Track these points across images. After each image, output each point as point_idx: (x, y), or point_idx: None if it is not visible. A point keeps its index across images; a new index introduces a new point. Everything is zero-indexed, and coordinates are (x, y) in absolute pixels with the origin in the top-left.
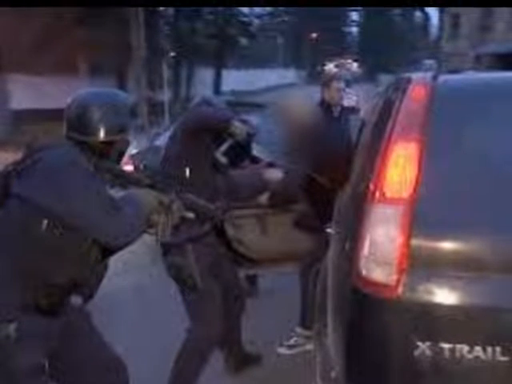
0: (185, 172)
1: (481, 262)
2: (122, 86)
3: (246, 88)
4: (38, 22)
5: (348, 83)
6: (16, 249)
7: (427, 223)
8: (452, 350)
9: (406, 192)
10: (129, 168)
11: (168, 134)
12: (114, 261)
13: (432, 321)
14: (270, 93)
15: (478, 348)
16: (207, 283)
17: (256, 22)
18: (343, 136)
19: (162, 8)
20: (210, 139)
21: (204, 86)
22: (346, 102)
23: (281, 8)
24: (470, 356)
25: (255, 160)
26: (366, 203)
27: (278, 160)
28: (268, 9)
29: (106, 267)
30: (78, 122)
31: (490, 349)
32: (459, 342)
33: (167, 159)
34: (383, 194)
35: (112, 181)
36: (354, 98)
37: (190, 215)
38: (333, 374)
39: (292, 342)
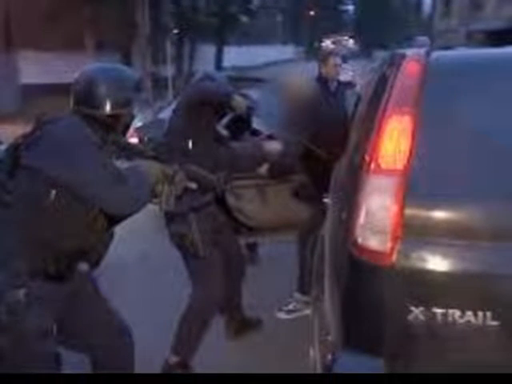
0: (187, 144)
1: (472, 230)
2: (127, 61)
3: (246, 64)
4: (47, 0)
5: (344, 59)
6: (25, 218)
7: (420, 193)
8: (444, 315)
9: (399, 163)
10: (134, 140)
11: (171, 107)
12: (119, 229)
13: (425, 287)
14: (270, 68)
15: (469, 313)
16: (209, 250)
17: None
18: (340, 110)
19: None
20: (211, 113)
21: (206, 61)
22: (343, 77)
23: None
24: (461, 320)
25: (255, 133)
26: (362, 174)
27: (277, 132)
28: None
29: (112, 235)
30: (85, 96)
31: (480, 313)
32: (451, 307)
33: (171, 132)
34: (378, 166)
35: (118, 153)
36: (350, 73)
37: (193, 185)
38: (330, 338)
39: (290, 307)
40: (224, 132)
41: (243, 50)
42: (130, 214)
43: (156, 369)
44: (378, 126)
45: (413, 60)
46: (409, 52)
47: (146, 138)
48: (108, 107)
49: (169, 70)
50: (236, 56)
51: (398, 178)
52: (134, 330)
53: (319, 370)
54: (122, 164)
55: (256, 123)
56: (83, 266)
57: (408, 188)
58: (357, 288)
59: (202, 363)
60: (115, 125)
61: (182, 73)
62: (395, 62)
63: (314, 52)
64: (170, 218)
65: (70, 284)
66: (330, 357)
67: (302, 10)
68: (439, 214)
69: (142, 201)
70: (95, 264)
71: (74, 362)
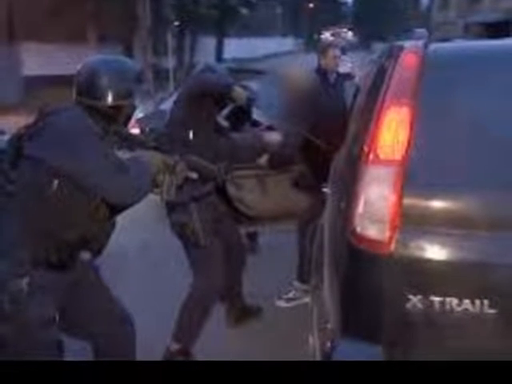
0: (188, 135)
1: (469, 219)
2: (128, 53)
3: (246, 55)
4: None
5: (343, 51)
6: (28, 208)
7: (418, 183)
8: (442, 303)
9: (398, 154)
10: (135, 131)
11: (172, 99)
12: (121, 218)
13: (423, 275)
14: (270, 60)
15: (466, 301)
16: (209, 240)
17: None
18: (339, 101)
19: None
20: (212, 104)
21: (206, 53)
22: (342, 69)
23: None
24: (459, 309)
25: (255, 123)
26: (361, 164)
27: (277, 123)
28: None
29: (113, 225)
30: (87, 88)
31: (478, 302)
32: (449, 296)
33: (172, 123)
34: (377, 156)
35: (119, 143)
36: (349, 64)
37: (194, 175)
38: (329, 326)
39: (290, 295)
40: (224, 123)
41: (243, 42)
42: (131, 204)
43: (157, 356)
44: (376, 116)
45: (411, 52)
46: (407, 44)
47: (147, 129)
48: (110, 98)
49: (170, 62)
50: (236, 48)
51: (396, 168)
52: (136, 319)
53: (318, 358)
54: (123, 154)
55: (256, 114)
56: (85, 255)
57: (406, 178)
58: (356, 276)
59: (202, 350)
60: (117, 116)
61: (183, 64)
62: (393, 54)
63: (313, 44)
64: (170, 207)
65: (72, 273)
66: (329, 344)
67: (301, 2)
68: (437, 204)
69: (143, 191)
70: (97, 253)
71: (76, 350)
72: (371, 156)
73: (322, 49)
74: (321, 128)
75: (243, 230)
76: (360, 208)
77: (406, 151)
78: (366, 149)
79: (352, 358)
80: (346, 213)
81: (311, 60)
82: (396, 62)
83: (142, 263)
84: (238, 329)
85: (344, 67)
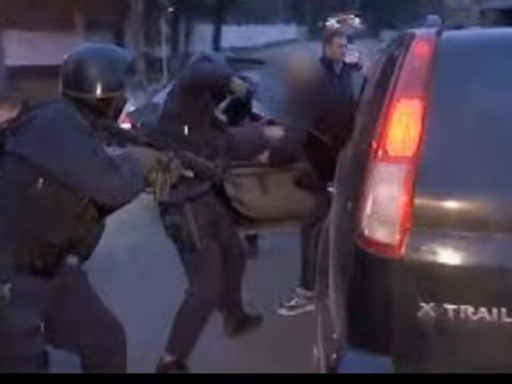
0: (183, 130)
1: (485, 221)
2: (119, 42)
3: (245, 44)
4: None
5: (350, 39)
6: (11, 208)
7: (431, 182)
8: (456, 311)
9: (409, 150)
10: (126, 126)
11: (166, 91)
12: (110, 220)
13: (436, 281)
14: (271, 49)
15: (482, 309)
16: (206, 243)
17: None
18: (345, 93)
19: None
20: (209, 96)
21: (203, 42)
22: (348, 59)
23: None
24: (474, 317)
25: (255, 117)
26: (369, 162)
27: (279, 117)
28: None
29: (102, 227)
30: (74, 79)
31: (495, 310)
32: (464, 303)
33: (165, 117)
34: (386, 153)
35: (109, 139)
36: (356, 54)
37: (189, 174)
38: (334, 336)
39: (293, 302)
40: (222, 117)
41: (242, 30)
42: (122, 204)
43: (150, 369)
44: (385, 110)
45: (423, 40)
46: (418, 32)
47: (139, 124)
48: (98, 90)
49: (163, 51)
50: (235, 36)
51: (406, 166)
52: (127, 327)
53: (323, 370)
54: (113, 151)
55: (256, 107)
56: (72, 260)
57: (418, 176)
58: (363, 283)
59: (198, 362)
60: (106, 109)
61: (178, 54)
62: (404, 43)
63: (317, 32)
64: (164, 208)
65: (58, 279)
66: (334, 356)
67: None
68: (451, 204)
69: (134, 190)
70: (85, 257)
71: (63, 361)
72: (380, 152)
73: (327, 37)
74: (326, 122)
75: (242, 233)
76: (368, 209)
77: (418, 147)
78: (374, 145)
79: (359, 370)
80: (352, 214)
81: (315, 49)
82: (407, 51)
83: (134, 268)
84: (237, 339)
85: (351, 57)
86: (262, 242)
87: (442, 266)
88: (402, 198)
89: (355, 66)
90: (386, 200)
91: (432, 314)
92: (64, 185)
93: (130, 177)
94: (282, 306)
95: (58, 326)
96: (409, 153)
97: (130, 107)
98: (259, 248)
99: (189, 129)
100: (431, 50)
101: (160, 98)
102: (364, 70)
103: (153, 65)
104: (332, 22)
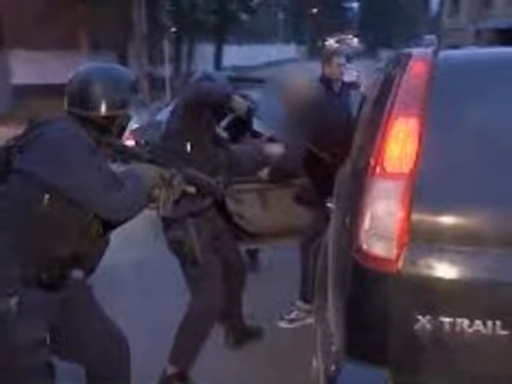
0: (186, 147)
1: (481, 236)
2: (123, 61)
3: (246, 63)
4: None
5: (349, 59)
6: (17, 223)
7: (427, 198)
8: (452, 324)
9: (406, 167)
10: (130, 143)
11: (169, 109)
12: (115, 235)
13: (432, 295)
14: (271, 68)
15: (478, 322)
16: (208, 257)
17: None
18: (344, 111)
19: None
20: (211, 114)
21: (205, 61)
22: (347, 78)
23: None
24: (470, 330)
25: (256, 135)
26: (367, 178)
27: (279, 135)
28: None
29: (107, 241)
30: (79, 97)
31: (490, 323)
32: (459, 316)
33: (168, 134)
34: (384, 169)
35: (113, 156)
36: (355, 73)
37: (191, 190)
38: (333, 348)
39: (292, 315)
40: (223, 134)
41: (243, 49)
42: (126, 220)
43: (153, 380)
44: (383, 127)
45: (419, 60)
46: (415, 51)
47: (142, 141)
48: (103, 108)
49: (166, 70)
50: (236, 55)
51: (404, 182)
52: (131, 340)
53: (322, 382)
54: (117, 167)
55: (257, 125)
56: (77, 274)
57: (414, 192)
58: (361, 296)
59: (201, 374)
60: (110, 127)
61: (180, 73)
62: (401, 62)
63: (317, 51)
64: (167, 223)
65: (63, 292)
66: (333, 367)
67: (304, 7)
68: (447, 220)
69: (138, 205)
70: (90, 271)
71: (68, 373)
72: (378, 169)
73: (326, 56)
74: (325, 140)
75: (243, 247)
76: (366, 224)
77: (415, 164)
78: (372, 161)
79: (357, 381)
80: (351, 229)
81: (315, 68)
82: (404, 70)
83: (137, 282)
84: (238, 351)
85: (349, 76)
86: (262, 256)
87: (439, 280)
88: (400, 214)
89: (353, 85)
90: (383, 215)
91: (428, 326)
92: (69, 200)
93: (133, 192)
94: (282, 318)
95: (63, 338)
96: (406, 169)
97: (133, 125)
98: (259, 262)
99: (191, 146)
100: (428, 70)
101: (163, 115)
102: (362, 88)
103: (156, 83)
104: (331, 42)
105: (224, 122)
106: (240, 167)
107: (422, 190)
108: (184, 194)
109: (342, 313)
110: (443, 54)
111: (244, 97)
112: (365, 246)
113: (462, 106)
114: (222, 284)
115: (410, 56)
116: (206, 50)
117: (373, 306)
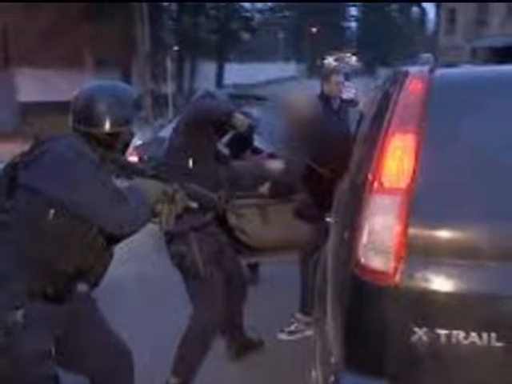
0: (188, 163)
1: (477, 250)
2: (126, 79)
3: (247, 81)
4: (45, 17)
5: (347, 76)
6: (23, 238)
7: (424, 213)
8: (448, 336)
9: (403, 182)
10: (133, 159)
11: (172, 125)
12: (118, 249)
13: (429, 307)
14: (271, 86)
15: (473, 334)
16: (209, 271)
17: (257, 16)
18: (342, 128)
19: (165, 3)
20: (212, 131)
21: (207, 79)
22: (345, 95)
23: (282, 3)
24: (465, 342)
25: (256, 151)
26: (365, 193)
27: (279, 151)
28: (269, 4)
29: (111, 255)
30: (84, 114)
31: (485, 335)
32: (455, 328)
33: (171, 150)
34: (381, 184)
35: (117, 171)
36: (353, 90)
37: (194, 205)
38: (332, 360)
39: (292, 328)
40: (225, 150)
41: (244, 67)
42: (129, 234)
43: None
44: (381, 144)
45: (416, 77)
46: (412, 69)
47: (145, 157)
48: (107, 125)
49: (169, 88)
50: (237, 73)
51: (401, 197)
52: (134, 352)
53: None
54: (121, 183)
55: (257, 141)
56: (82, 287)
57: (411, 207)
58: (359, 309)
59: None
60: (114, 143)
61: (183, 90)
62: (398, 80)
63: (316, 69)
64: (170, 237)
65: (68, 305)
66: (332, 378)
67: (303, 26)
68: (444, 234)
69: (141, 220)
70: (94, 285)
71: (74, 383)
72: (375, 184)
73: (325, 74)
74: (324, 156)
75: (244, 261)
76: (364, 238)
77: (412, 179)
78: (370, 177)
79: None
80: (349, 243)
81: (314, 86)
82: (401, 88)
83: (141, 295)
84: (239, 363)
85: (348, 93)
86: (262, 270)
87: (435, 293)
88: (397, 228)
89: (352, 102)
90: (381, 230)
91: (425, 338)
92: (74, 215)
93: (137, 207)
94: (282, 330)
95: (68, 350)
96: (403, 185)
97: (137, 141)
98: (260, 275)
99: (193, 162)
100: (424, 87)
101: (166, 132)
102: (360, 105)
103: (159, 101)
104: (330, 60)
105: (225, 139)
106: (241, 183)
107: (419, 205)
108: (186, 208)
109: (341, 325)
110: (439, 71)
111: (245, 114)
112: (363, 260)
113: (458, 123)
114: (223, 297)
115: (407, 74)
116: (207, 68)
117: (371, 319)
